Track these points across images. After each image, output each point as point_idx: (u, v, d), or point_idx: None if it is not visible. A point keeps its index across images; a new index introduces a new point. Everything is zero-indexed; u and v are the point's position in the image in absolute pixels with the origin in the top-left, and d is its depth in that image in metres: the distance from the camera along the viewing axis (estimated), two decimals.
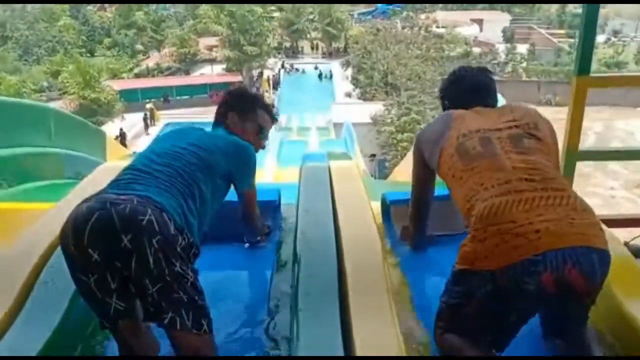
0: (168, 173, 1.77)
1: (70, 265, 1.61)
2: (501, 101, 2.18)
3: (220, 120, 2.24)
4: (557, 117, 2.53)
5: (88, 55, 39.77)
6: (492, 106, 1.92)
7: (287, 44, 51.96)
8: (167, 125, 33.16)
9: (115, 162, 2.80)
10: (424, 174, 2.01)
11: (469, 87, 1.96)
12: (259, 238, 2.47)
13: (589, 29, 2.43)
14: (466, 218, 1.66)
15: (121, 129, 26.57)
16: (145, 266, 1.53)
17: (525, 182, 1.57)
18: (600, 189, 21.62)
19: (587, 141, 28.07)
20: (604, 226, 1.58)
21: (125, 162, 2.89)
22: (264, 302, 2.12)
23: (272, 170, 12.85)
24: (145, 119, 29.31)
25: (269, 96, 34.57)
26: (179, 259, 1.58)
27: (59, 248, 1.86)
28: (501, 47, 40.41)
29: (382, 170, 21.18)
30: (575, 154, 2.58)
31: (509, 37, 45.11)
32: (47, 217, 2.18)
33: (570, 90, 2.56)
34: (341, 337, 1.62)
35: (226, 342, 1.89)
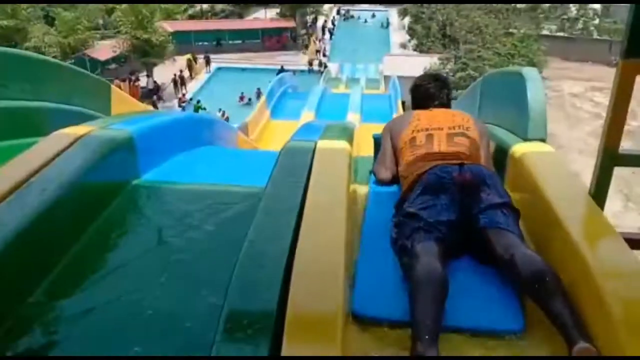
0: None
1: None
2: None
3: None
4: None
5: None
6: (444, 105, 2.67)
7: None
8: (218, 69, 33.22)
9: (72, 129, 2.49)
10: (391, 148, 2.56)
11: (424, 95, 2.71)
12: None
13: None
14: (402, 181, 2.35)
15: (155, 83, 26.64)
16: None
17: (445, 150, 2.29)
18: None
19: None
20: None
21: (95, 127, 2.58)
22: None
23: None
24: (175, 79, 27.41)
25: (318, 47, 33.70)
26: None
27: None
28: None
29: None
30: (613, 157, 2.06)
31: None
32: None
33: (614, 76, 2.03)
34: None
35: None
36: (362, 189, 2.62)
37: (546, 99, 3.02)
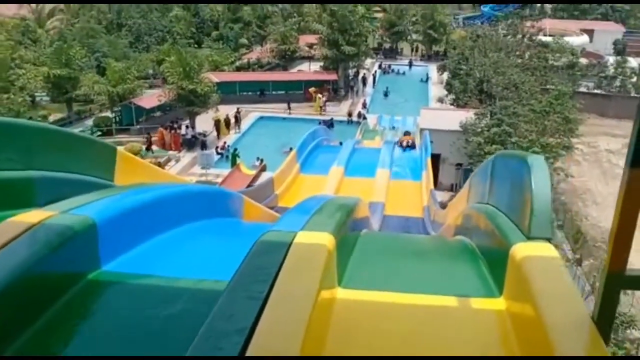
0: None
1: None
2: None
3: None
4: None
5: (195, 46, 41.36)
6: None
7: (387, 45, 51.01)
8: (260, 118, 33.74)
9: (27, 216, 2.33)
10: None
11: None
12: None
13: None
14: None
15: (194, 132, 27.33)
16: None
17: None
18: None
19: None
20: None
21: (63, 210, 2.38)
22: None
23: (337, 179, 12.18)
24: (222, 121, 28.93)
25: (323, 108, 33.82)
26: None
27: None
28: (611, 60, 37.72)
29: (466, 180, 20.03)
30: (620, 280, 1.74)
31: (620, 50, 42.44)
32: None
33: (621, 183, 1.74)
34: None
35: None
36: (341, 293, 2.35)
37: (556, 190, 2.71)
